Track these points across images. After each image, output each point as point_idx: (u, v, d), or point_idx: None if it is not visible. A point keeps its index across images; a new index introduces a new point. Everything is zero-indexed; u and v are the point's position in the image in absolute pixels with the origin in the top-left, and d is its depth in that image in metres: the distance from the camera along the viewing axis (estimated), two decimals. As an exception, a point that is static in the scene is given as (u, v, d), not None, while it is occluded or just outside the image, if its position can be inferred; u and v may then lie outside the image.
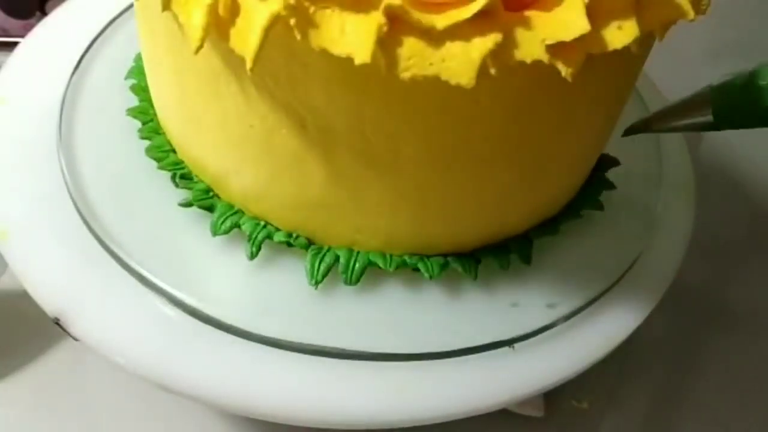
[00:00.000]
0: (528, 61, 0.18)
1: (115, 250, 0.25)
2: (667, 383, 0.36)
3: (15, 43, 0.31)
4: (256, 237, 0.25)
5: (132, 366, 0.23)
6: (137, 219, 0.26)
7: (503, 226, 0.27)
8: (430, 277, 0.25)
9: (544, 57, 0.18)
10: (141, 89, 0.28)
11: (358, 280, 0.25)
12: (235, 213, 0.25)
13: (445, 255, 0.26)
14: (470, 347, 0.25)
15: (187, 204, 0.25)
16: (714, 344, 0.38)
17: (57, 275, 0.25)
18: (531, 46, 0.18)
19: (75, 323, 0.24)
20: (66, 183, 0.26)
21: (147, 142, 0.27)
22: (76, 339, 0.24)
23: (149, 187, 0.26)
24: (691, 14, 0.20)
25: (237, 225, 0.25)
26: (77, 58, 0.30)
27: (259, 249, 0.25)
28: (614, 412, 0.34)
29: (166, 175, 0.26)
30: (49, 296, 0.24)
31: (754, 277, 0.41)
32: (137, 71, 0.29)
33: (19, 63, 0.30)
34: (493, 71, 0.17)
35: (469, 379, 0.24)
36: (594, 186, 0.29)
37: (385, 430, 0.25)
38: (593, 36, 0.18)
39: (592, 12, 0.18)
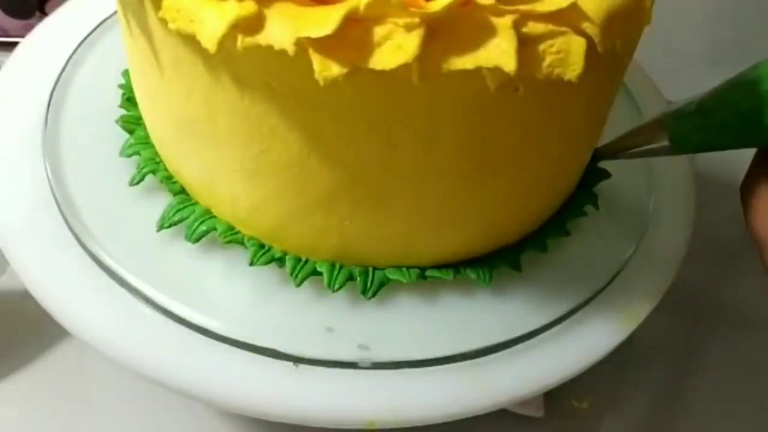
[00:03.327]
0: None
1: (104, 258, 0.25)
2: (667, 383, 0.36)
3: (15, 43, 0.31)
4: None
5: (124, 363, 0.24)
6: (123, 226, 0.26)
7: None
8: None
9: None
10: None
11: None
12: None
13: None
14: (475, 350, 0.25)
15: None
16: (714, 344, 0.38)
17: (46, 275, 0.25)
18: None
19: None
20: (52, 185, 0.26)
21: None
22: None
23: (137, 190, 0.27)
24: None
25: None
26: (77, 58, 0.30)
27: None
28: (614, 412, 0.34)
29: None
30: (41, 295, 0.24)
31: (754, 277, 0.41)
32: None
33: (19, 63, 0.30)
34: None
35: (470, 379, 0.24)
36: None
37: (386, 430, 0.25)
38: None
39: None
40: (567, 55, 0.19)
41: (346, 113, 0.20)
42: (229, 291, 0.25)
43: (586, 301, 0.27)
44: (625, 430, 0.34)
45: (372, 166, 0.22)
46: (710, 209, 0.34)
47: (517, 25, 0.18)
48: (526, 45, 0.18)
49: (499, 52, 0.18)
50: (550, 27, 0.19)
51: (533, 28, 0.19)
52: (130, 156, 0.27)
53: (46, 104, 0.28)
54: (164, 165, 0.27)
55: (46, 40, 0.31)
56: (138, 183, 0.26)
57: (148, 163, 0.27)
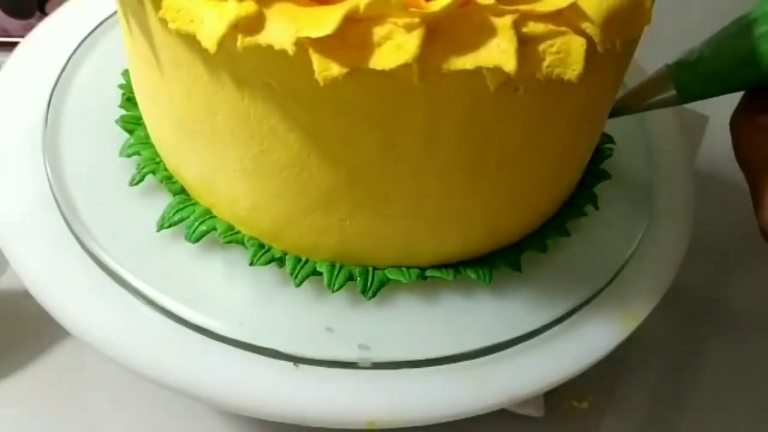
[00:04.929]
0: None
1: (104, 258, 0.25)
2: (667, 383, 0.36)
3: (15, 43, 0.31)
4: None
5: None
6: (123, 226, 0.26)
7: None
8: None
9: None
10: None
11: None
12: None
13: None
14: (475, 350, 0.25)
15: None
16: (714, 344, 0.38)
17: (46, 275, 0.25)
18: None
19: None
20: (51, 183, 0.26)
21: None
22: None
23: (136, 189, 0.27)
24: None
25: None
26: (77, 58, 0.30)
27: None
28: (614, 412, 0.34)
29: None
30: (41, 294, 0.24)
31: (754, 277, 0.41)
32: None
33: (19, 63, 0.30)
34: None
35: (470, 379, 0.24)
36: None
37: (386, 430, 0.25)
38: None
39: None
40: (567, 55, 0.19)
41: (346, 113, 0.20)
42: (229, 291, 0.25)
43: (586, 301, 0.27)
44: (625, 430, 0.34)
45: (372, 166, 0.22)
46: (710, 209, 0.34)
47: (517, 25, 0.18)
48: (526, 45, 0.18)
49: (499, 52, 0.18)
50: (550, 27, 0.19)
51: (533, 28, 0.19)
52: (130, 156, 0.27)
53: (46, 104, 0.28)
54: (164, 165, 0.27)
55: (46, 40, 0.31)
56: (138, 183, 0.26)
57: (148, 163, 0.27)
